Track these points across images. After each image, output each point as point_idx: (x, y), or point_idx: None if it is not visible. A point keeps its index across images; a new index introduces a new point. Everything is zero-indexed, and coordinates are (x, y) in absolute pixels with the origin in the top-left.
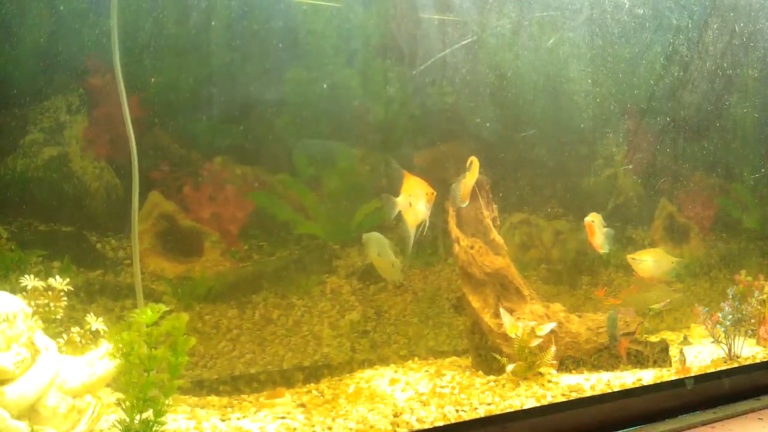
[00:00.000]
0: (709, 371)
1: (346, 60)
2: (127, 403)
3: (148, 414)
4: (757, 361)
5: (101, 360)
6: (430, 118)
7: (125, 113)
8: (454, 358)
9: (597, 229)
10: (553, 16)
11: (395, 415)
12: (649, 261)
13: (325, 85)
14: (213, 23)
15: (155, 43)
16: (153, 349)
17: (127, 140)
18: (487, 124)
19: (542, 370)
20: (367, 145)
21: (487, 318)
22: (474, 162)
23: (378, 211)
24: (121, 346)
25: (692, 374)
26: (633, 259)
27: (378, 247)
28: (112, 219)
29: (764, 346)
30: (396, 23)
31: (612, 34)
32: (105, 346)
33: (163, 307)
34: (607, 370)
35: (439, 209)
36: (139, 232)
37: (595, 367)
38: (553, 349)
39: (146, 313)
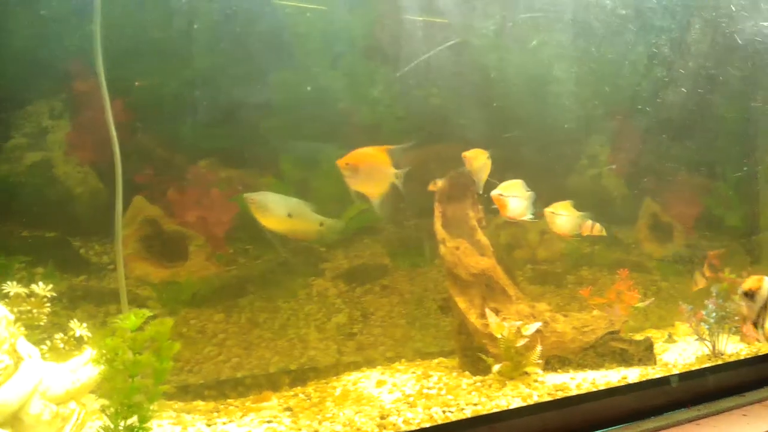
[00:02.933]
0: (693, 368)
1: (331, 62)
2: (112, 409)
3: (133, 420)
4: (741, 357)
5: (85, 366)
6: (416, 120)
7: (108, 117)
8: (441, 359)
9: (507, 201)
10: (537, 18)
11: (382, 417)
12: (563, 216)
13: (309, 88)
14: (197, 26)
15: (139, 46)
16: (137, 355)
17: (111, 144)
18: (473, 125)
19: (528, 369)
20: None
21: (473, 318)
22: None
23: (365, 213)
24: (105, 352)
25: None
26: (552, 212)
27: (285, 209)
28: (96, 224)
29: (748, 343)
30: (381, 25)
31: (596, 35)
32: (89, 352)
33: (147, 312)
34: (592, 369)
35: (426, 212)
36: (124, 237)
37: (581, 366)
38: (538, 348)
39: (130, 319)
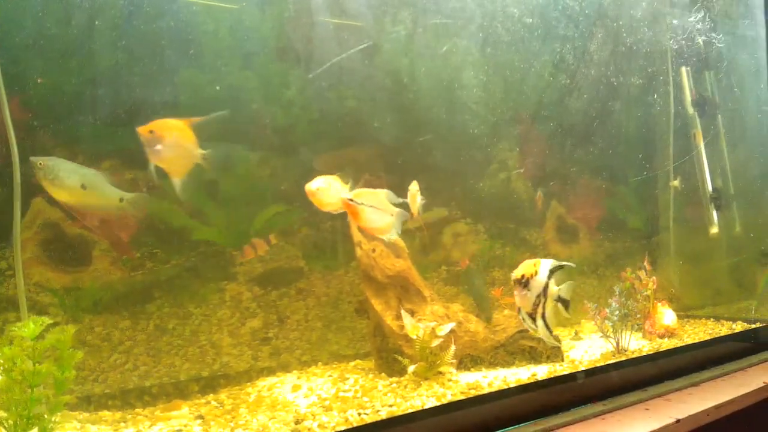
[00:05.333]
0: (598, 365)
1: (242, 62)
2: (10, 421)
3: None
4: (644, 353)
5: None
6: (330, 122)
7: (5, 115)
8: (358, 361)
9: (360, 210)
10: (447, 24)
11: (296, 422)
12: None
13: (218, 87)
14: (98, 22)
15: (38, 42)
16: (37, 365)
17: (8, 144)
18: (387, 128)
19: (443, 369)
20: (265, 149)
21: (389, 320)
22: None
23: (279, 216)
24: (2, 361)
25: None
26: (351, 201)
27: (79, 179)
28: None
29: (650, 340)
30: (293, 26)
31: (503, 42)
32: None
33: (47, 320)
34: (504, 367)
35: (342, 214)
36: (22, 241)
37: (492, 364)
38: (452, 348)
39: (29, 326)
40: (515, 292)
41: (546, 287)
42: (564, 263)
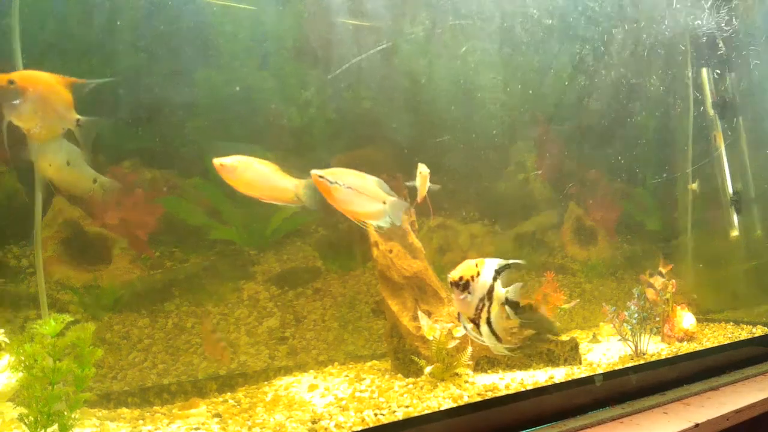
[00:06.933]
0: (617, 368)
1: (260, 62)
2: (31, 417)
3: (54, 429)
4: (662, 357)
5: (2, 374)
6: (346, 122)
7: None
8: (374, 362)
9: (332, 188)
10: (465, 25)
11: (313, 422)
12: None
13: (237, 88)
14: (119, 23)
15: (59, 43)
16: (57, 362)
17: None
18: (403, 129)
19: (459, 370)
20: (281, 149)
21: (405, 321)
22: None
23: (295, 216)
24: (23, 358)
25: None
26: (321, 177)
27: (65, 154)
28: (14, 226)
29: (668, 343)
30: (311, 27)
31: (522, 43)
32: (6, 358)
33: (68, 318)
34: (520, 369)
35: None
36: (43, 239)
37: (509, 366)
38: (469, 350)
39: (49, 324)
40: (453, 296)
41: (491, 290)
42: (511, 261)
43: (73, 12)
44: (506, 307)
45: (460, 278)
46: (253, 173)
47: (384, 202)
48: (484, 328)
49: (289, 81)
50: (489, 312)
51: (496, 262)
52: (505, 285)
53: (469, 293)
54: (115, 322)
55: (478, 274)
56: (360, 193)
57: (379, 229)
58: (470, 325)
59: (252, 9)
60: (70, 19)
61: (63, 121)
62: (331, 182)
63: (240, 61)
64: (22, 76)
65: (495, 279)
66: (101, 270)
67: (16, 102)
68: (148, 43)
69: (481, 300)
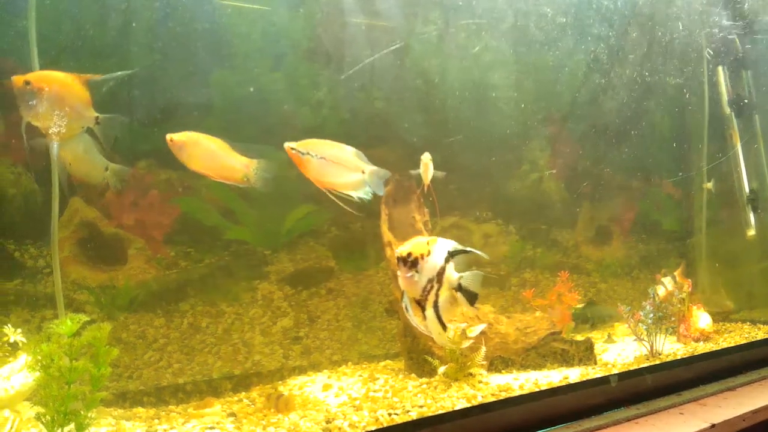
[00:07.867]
0: (632, 368)
1: (274, 63)
2: (48, 417)
3: (70, 428)
4: (678, 357)
5: (19, 373)
6: (359, 123)
7: None
8: (388, 361)
9: (307, 161)
10: (478, 24)
11: (327, 422)
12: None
13: (252, 89)
14: (135, 24)
15: (75, 44)
16: (74, 361)
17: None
18: (416, 129)
19: (473, 371)
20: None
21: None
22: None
23: (309, 216)
24: (40, 358)
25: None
26: (294, 149)
27: (81, 143)
28: (30, 226)
29: (684, 343)
30: (324, 28)
31: (536, 41)
32: (23, 358)
33: (84, 317)
34: (535, 369)
35: (372, 214)
36: (60, 240)
37: (524, 366)
38: (483, 350)
39: (66, 324)
40: (398, 273)
41: (441, 272)
42: (468, 249)
43: (89, 14)
44: (459, 294)
45: (408, 254)
46: (201, 150)
47: (363, 172)
48: (429, 311)
49: (302, 81)
50: (437, 295)
51: (451, 244)
52: (463, 270)
53: (417, 272)
54: (130, 321)
55: (429, 253)
56: (335, 164)
57: (360, 200)
58: (411, 307)
59: (266, 9)
60: (86, 21)
61: (81, 119)
62: (303, 153)
63: (254, 62)
64: (37, 76)
65: (447, 261)
66: (117, 270)
67: (33, 102)
68: (163, 44)
69: (430, 281)
